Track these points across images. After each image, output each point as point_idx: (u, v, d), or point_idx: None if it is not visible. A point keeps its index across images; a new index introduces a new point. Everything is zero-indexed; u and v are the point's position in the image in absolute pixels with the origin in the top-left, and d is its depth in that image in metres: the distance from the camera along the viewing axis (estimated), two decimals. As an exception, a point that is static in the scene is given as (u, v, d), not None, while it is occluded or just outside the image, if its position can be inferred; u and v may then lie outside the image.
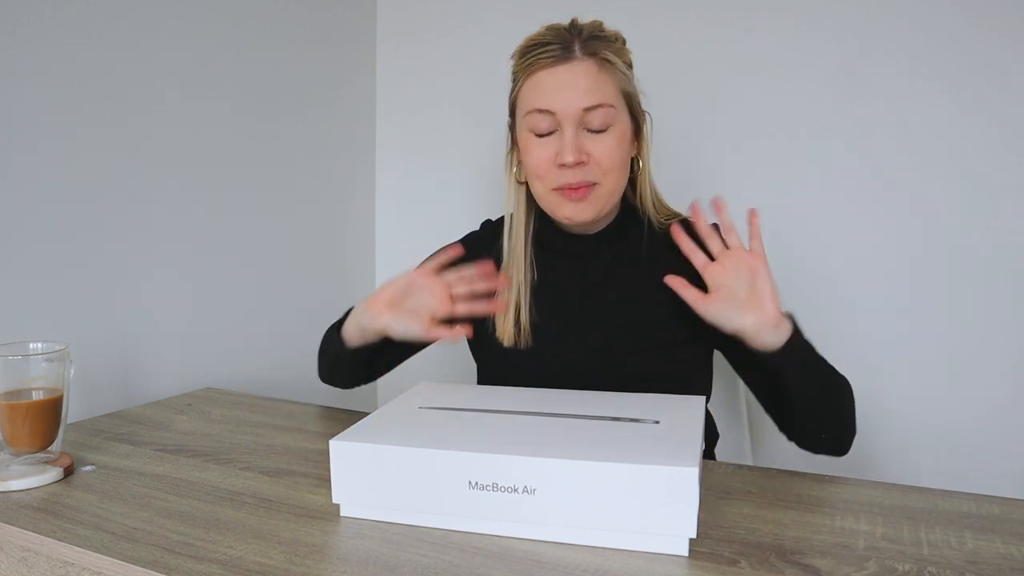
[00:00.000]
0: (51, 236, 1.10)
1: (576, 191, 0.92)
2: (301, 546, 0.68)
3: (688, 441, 0.70)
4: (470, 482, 0.68)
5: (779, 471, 0.87)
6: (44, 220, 1.09)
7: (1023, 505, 0.77)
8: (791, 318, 0.87)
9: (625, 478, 0.64)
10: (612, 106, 0.91)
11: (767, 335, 0.84)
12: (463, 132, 1.70)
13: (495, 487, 0.68)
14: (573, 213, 0.94)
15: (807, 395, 0.88)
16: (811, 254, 1.40)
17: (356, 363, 1.02)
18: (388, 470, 0.71)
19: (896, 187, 1.33)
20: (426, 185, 1.76)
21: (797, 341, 0.86)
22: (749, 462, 1.25)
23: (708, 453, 1.07)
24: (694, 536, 0.64)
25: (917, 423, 1.35)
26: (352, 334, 0.99)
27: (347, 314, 1.02)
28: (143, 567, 0.64)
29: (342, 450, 0.72)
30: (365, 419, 0.79)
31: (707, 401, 1.06)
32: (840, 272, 1.39)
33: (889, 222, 1.35)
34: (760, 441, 1.39)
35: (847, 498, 0.79)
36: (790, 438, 0.95)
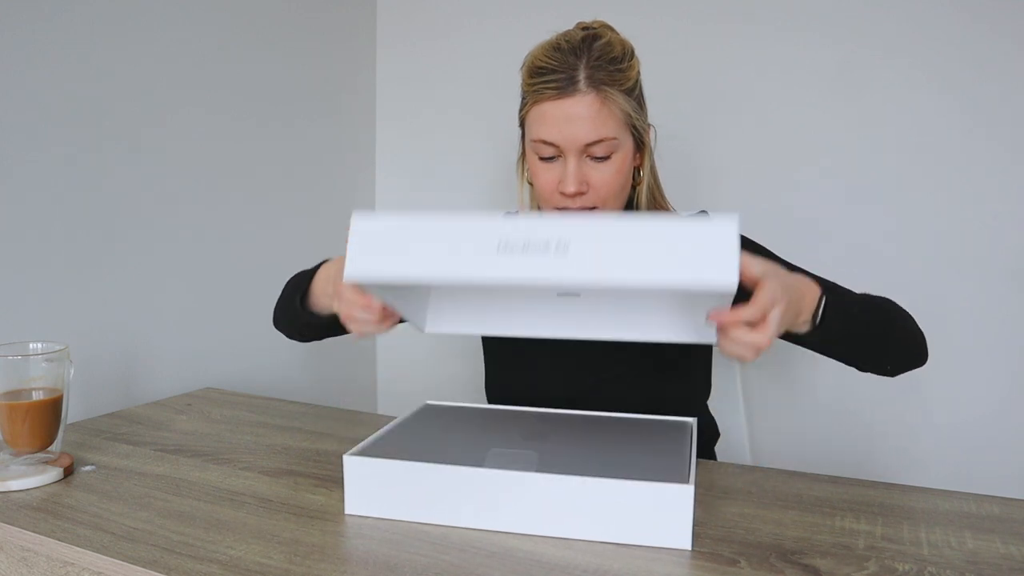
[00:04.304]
0: (51, 236, 1.10)
1: None
2: (301, 546, 0.68)
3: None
4: (500, 243, 0.64)
5: (779, 471, 0.87)
6: (44, 220, 1.09)
7: (1023, 505, 0.78)
8: (818, 283, 0.82)
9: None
10: (614, 138, 0.92)
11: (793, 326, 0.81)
12: (463, 134, 1.70)
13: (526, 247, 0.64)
14: None
15: (855, 349, 0.88)
16: (810, 254, 1.40)
17: (320, 327, 0.97)
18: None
19: (896, 187, 1.33)
20: (426, 187, 1.76)
21: (828, 319, 0.81)
22: (749, 462, 1.25)
23: (708, 452, 1.07)
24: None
25: (917, 423, 1.35)
26: (319, 300, 0.93)
27: (318, 267, 0.96)
28: (143, 567, 0.64)
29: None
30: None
31: (707, 398, 1.07)
32: (839, 272, 1.38)
33: (889, 222, 1.35)
34: (760, 441, 1.39)
35: (847, 498, 0.79)
36: (866, 371, 0.94)
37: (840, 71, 1.35)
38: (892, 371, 0.92)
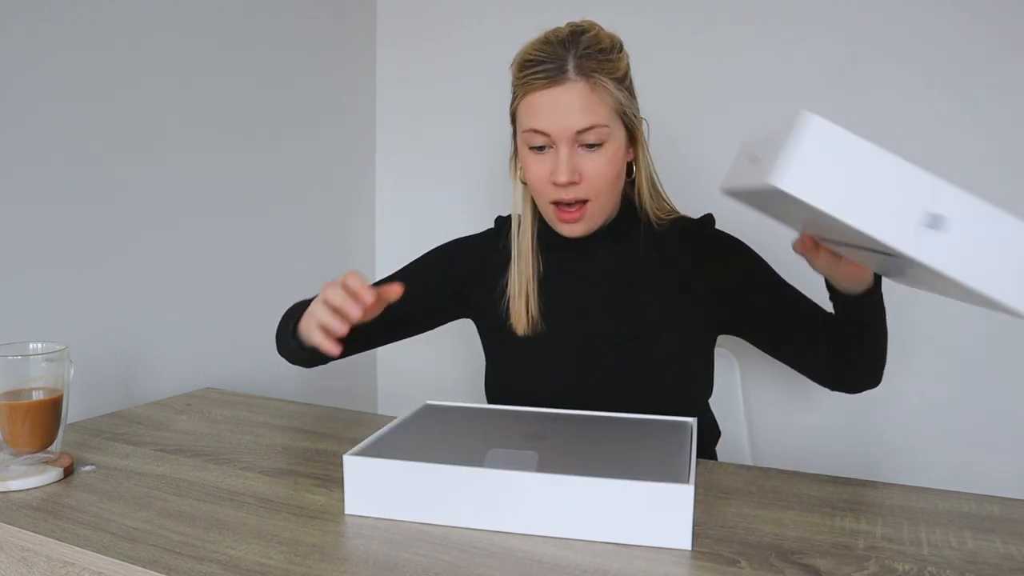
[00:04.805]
0: (51, 237, 1.10)
1: (569, 212, 0.96)
2: (301, 546, 0.68)
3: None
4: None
5: (779, 471, 0.88)
6: (44, 221, 1.09)
7: (1023, 505, 0.78)
8: None
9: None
10: (606, 125, 0.93)
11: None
12: (462, 135, 1.70)
13: None
14: (568, 231, 0.99)
15: (877, 331, 0.95)
16: (811, 254, 1.40)
17: (309, 358, 0.98)
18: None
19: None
20: (426, 188, 1.76)
21: (878, 290, 0.94)
22: (749, 462, 1.25)
23: (708, 452, 1.08)
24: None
25: (917, 423, 1.35)
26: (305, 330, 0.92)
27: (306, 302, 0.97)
28: (143, 567, 0.64)
29: None
30: None
31: (708, 397, 1.07)
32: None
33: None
34: (760, 441, 1.39)
35: (847, 498, 0.79)
36: (834, 385, 1.01)
37: (839, 71, 1.35)
38: (865, 380, 1.00)
